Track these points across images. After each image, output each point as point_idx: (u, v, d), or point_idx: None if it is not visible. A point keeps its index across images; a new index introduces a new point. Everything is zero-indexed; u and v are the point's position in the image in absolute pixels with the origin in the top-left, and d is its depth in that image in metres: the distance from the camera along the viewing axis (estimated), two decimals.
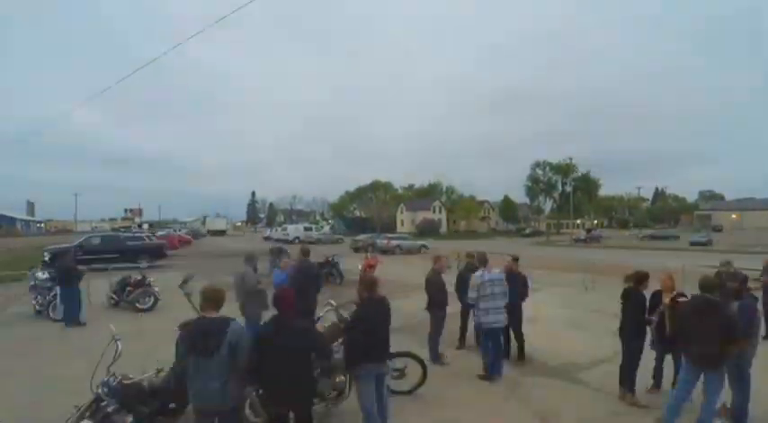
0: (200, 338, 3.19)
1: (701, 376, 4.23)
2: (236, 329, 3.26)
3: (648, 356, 5.26)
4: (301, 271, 7.11)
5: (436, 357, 6.51)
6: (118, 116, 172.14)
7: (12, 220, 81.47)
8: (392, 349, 5.49)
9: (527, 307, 7.07)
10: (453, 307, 7.16)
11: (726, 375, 4.24)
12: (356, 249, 30.68)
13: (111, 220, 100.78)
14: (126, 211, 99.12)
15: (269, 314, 3.91)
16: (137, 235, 25.46)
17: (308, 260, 7.59)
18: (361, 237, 36.93)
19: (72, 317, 9.20)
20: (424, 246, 33.32)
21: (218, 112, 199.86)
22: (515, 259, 7.11)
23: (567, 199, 68.70)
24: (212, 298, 3.40)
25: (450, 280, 7.19)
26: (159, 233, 38.59)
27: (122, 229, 44.63)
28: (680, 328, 4.46)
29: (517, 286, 6.50)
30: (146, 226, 65.96)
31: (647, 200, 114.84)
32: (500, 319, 5.78)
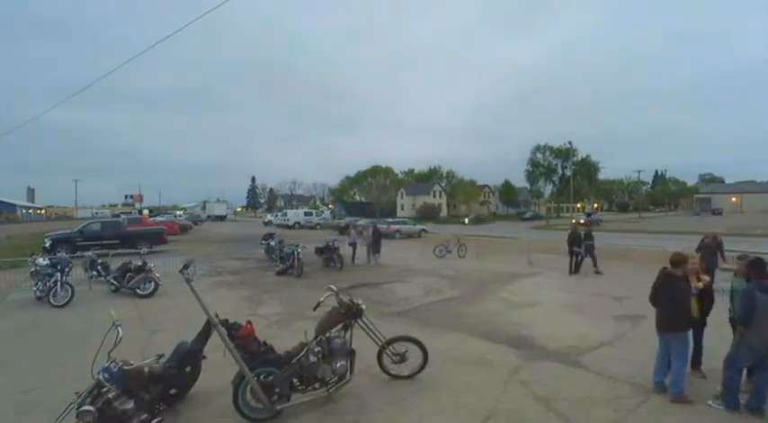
0: None
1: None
2: None
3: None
4: None
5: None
6: (119, 102, 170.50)
7: (12, 207, 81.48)
8: (393, 334, 5.52)
9: (526, 291, 7.07)
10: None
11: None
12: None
13: (112, 205, 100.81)
14: (126, 196, 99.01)
15: None
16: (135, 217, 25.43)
17: None
18: (362, 221, 36.94)
19: None
20: (423, 230, 33.41)
21: (219, 100, 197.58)
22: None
23: (567, 183, 68.43)
24: None
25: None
26: (159, 219, 38.53)
27: (122, 215, 44.65)
28: (651, 298, 5.03)
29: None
30: (146, 212, 65.85)
31: (647, 183, 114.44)
32: None
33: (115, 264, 11.95)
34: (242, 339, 4.46)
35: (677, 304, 4.70)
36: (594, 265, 13.55)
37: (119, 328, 3.89)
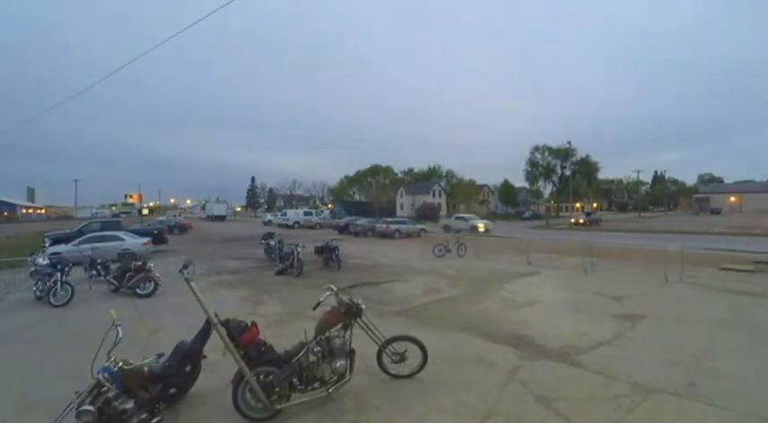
0: None
1: None
2: None
3: None
4: None
5: None
6: (120, 102, 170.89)
7: (12, 207, 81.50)
8: (392, 333, 5.53)
9: (526, 291, 7.07)
10: None
11: None
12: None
13: (112, 205, 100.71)
14: (126, 196, 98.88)
15: None
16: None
17: None
18: (361, 221, 36.98)
19: None
20: (423, 229, 33.41)
21: (213, 99, 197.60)
22: None
23: (567, 182, 68.50)
24: None
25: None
26: (159, 219, 38.48)
27: (122, 215, 44.66)
28: None
29: None
30: (145, 211, 65.86)
31: (647, 183, 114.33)
32: None
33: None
34: (246, 344, 4.37)
35: None
36: None
37: (118, 328, 3.89)
